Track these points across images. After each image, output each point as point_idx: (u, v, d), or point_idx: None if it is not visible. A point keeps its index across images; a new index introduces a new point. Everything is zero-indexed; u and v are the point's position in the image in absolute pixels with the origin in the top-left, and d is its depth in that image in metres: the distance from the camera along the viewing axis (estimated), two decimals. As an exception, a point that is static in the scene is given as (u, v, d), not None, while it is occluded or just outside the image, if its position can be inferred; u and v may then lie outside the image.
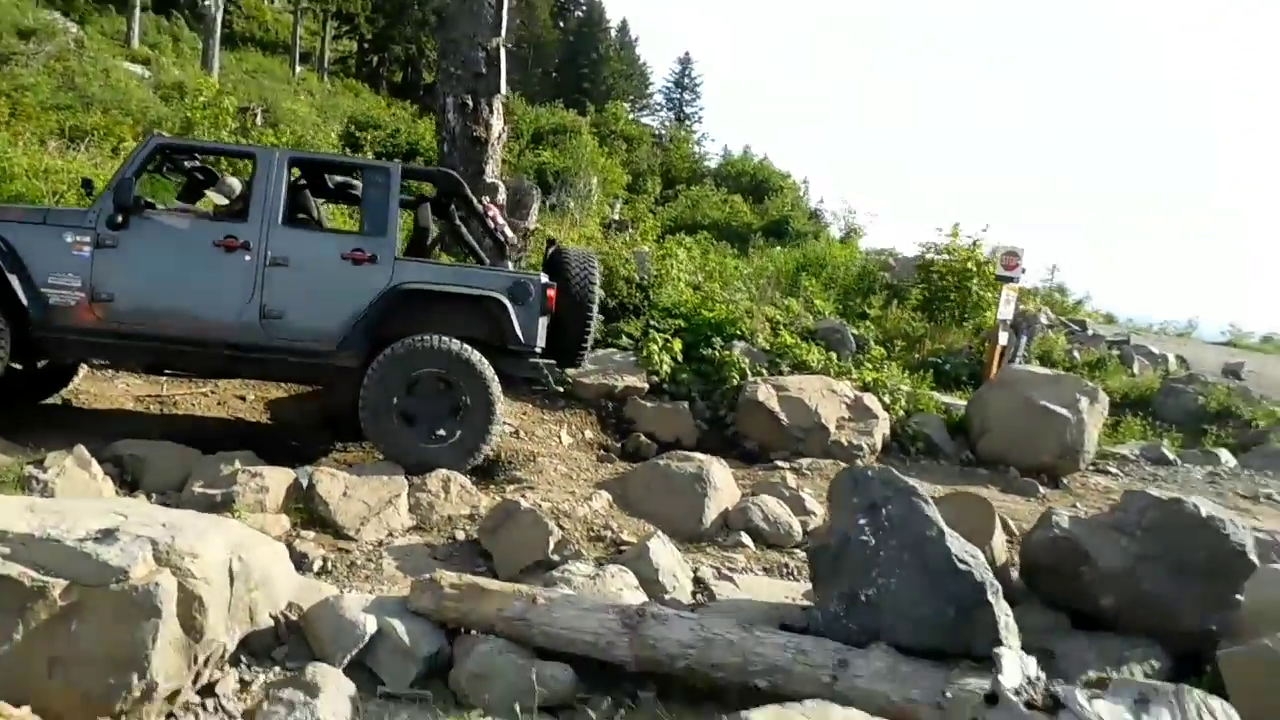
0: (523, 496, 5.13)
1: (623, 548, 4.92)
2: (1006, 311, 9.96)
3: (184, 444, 5.49)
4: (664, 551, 4.65)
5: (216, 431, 6.28)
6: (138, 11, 32.34)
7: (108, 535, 3.28)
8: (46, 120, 14.91)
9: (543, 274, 6.04)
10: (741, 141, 55.18)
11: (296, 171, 6.29)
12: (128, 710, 3.12)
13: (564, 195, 15.92)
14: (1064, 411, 7.66)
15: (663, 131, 44.80)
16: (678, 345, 8.08)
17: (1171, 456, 8.90)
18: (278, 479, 5.06)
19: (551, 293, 5.88)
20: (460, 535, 5.00)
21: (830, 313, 10.68)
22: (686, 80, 54.53)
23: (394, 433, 5.60)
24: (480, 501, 5.34)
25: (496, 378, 5.66)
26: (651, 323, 8.52)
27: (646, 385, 7.90)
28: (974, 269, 11.99)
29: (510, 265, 6.36)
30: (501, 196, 8.74)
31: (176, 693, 3.26)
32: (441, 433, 5.65)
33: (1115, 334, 15.76)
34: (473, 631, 3.76)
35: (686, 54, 61.37)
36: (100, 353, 5.89)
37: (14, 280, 5.34)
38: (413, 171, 6.61)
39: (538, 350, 5.87)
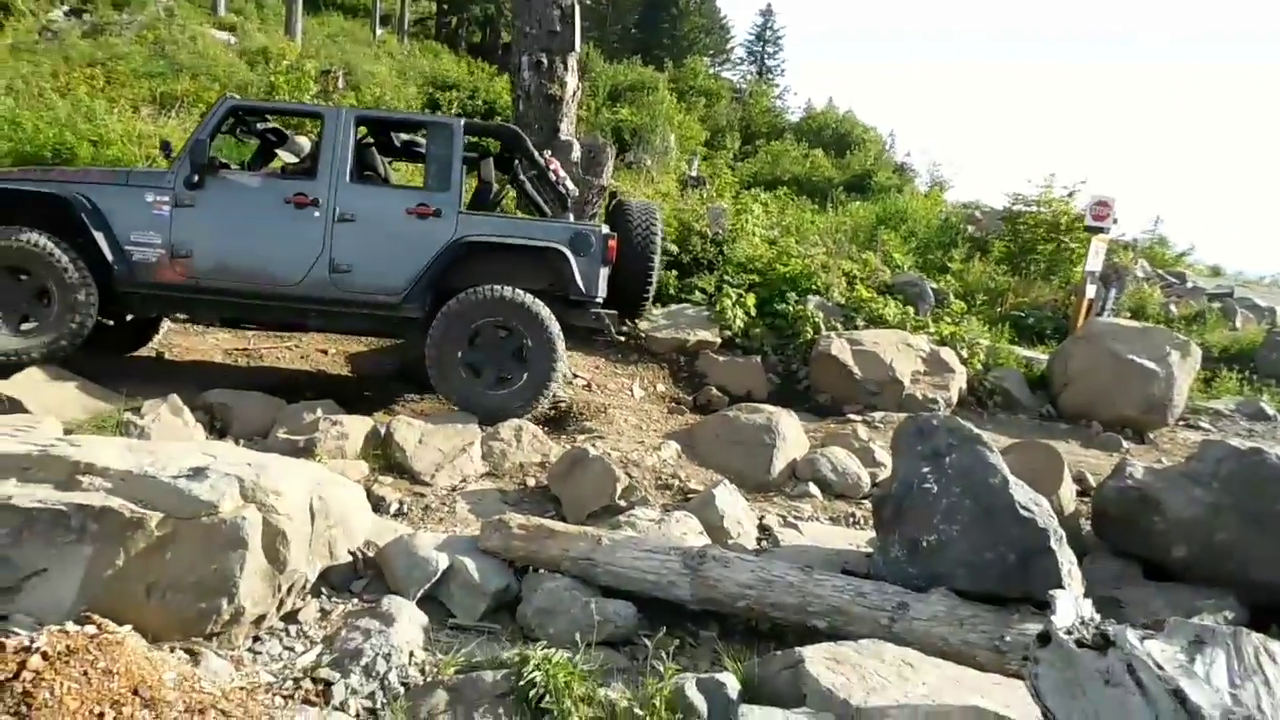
0: (592, 445, 5.28)
1: (689, 496, 5.03)
2: (1095, 263, 9.65)
3: (269, 394, 5.82)
4: (730, 499, 4.74)
5: (300, 382, 6.60)
6: (225, -22, 33.23)
7: (199, 473, 3.54)
8: (139, 87, 15.58)
9: (604, 226, 6.13)
10: (824, 95, 54.14)
11: (363, 130, 6.48)
12: (218, 632, 3.38)
13: (641, 152, 15.92)
14: (1151, 365, 7.45)
15: (743, 86, 44.16)
16: (751, 300, 8.10)
17: (1271, 412, 8.56)
18: (357, 427, 5.31)
19: (612, 243, 5.99)
20: (531, 482, 5.18)
21: (909, 267, 10.52)
22: (768, 33, 53.52)
23: (460, 382, 5.82)
24: (551, 449, 5.51)
25: (557, 322, 5.81)
26: (725, 278, 8.55)
27: (719, 340, 7.96)
28: (1065, 221, 11.62)
29: (572, 218, 6.47)
30: (576, 154, 8.83)
31: (262, 618, 3.52)
32: (506, 379, 5.84)
33: (1218, 287, 15.09)
34: (539, 570, 3.93)
35: (769, 6, 60.24)
36: (180, 307, 6.18)
37: (100, 239, 5.66)
38: (476, 127, 6.75)
39: (599, 300, 5.99)
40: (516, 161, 6.81)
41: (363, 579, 3.93)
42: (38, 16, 21.13)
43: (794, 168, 23.00)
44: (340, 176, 5.87)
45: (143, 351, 7.07)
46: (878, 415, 6.98)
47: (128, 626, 3.26)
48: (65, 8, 24.47)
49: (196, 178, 5.76)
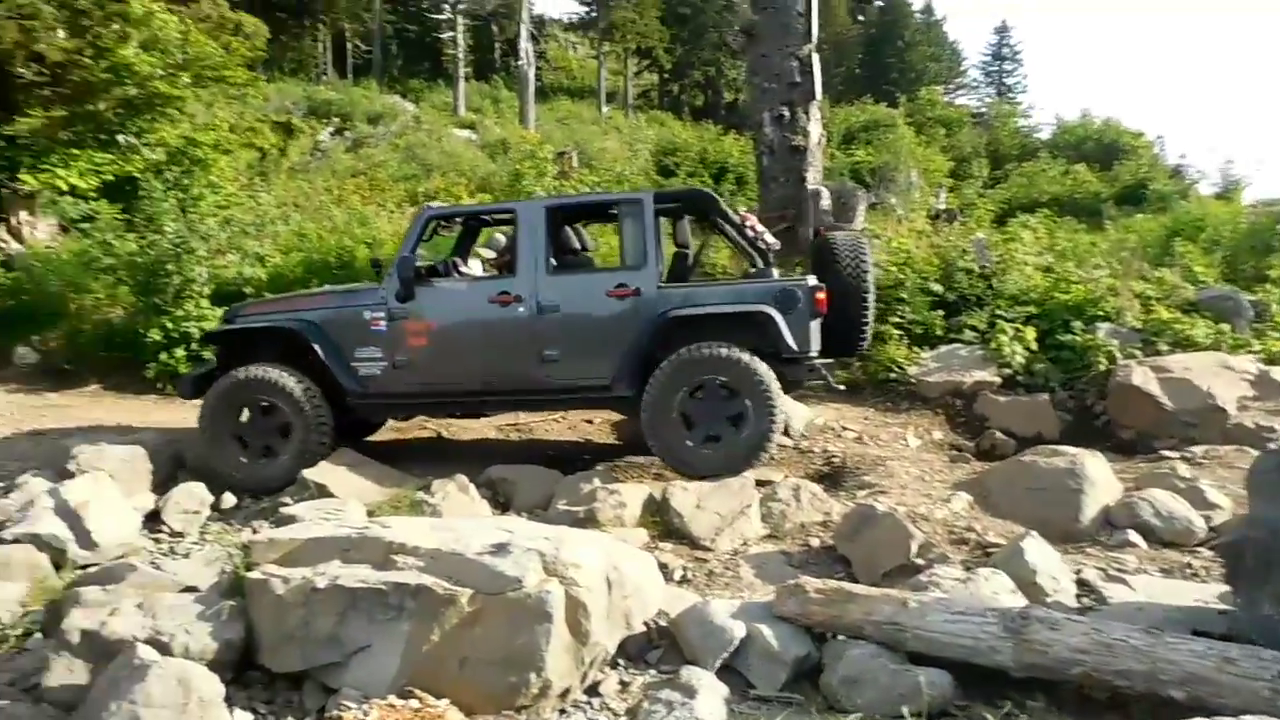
0: (876, 500, 5.11)
1: (990, 550, 4.72)
2: None
3: (543, 466, 6.13)
4: (1040, 551, 4.40)
5: (570, 453, 6.91)
6: (461, 83, 36.67)
7: (501, 549, 3.75)
8: (397, 190, 17.35)
9: (811, 277, 6.01)
10: (1076, 106, 50.65)
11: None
12: (528, 705, 3.52)
13: (884, 191, 15.63)
14: None
15: (984, 109, 42.43)
16: (1030, 333, 7.60)
17: None
18: (634, 494, 5.45)
19: (821, 295, 5.86)
20: (814, 542, 5.08)
21: (1215, 280, 9.48)
22: (1006, 50, 51.36)
23: (675, 440, 5.82)
24: (832, 508, 5.39)
25: (774, 376, 5.69)
26: (998, 312, 8.10)
27: (998, 379, 7.52)
28: None
29: (776, 273, 6.33)
30: (826, 202, 8.81)
31: (567, 691, 3.64)
32: (721, 437, 5.78)
33: None
34: (839, 636, 3.81)
35: (1003, 22, 57.84)
36: (406, 411, 6.64)
37: (329, 362, 6.20)
38: (665, 195, 6.79)
39: (812, 355, 5.87)
40: (713, 220, 6.79)
41: (657, 649, 3.97)
42: (311, 136, 24.19)
43: (1052, 187, 21.67)
44: (539, 270, 6.09)
45: (423, 432, 7.72)
46: (1199, 450, 6.26)
47: (445, 700, 3.48)
48: (330, 129, 27.91)
49: (406, 292, 6.17)
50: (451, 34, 39.42)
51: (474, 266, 7.19)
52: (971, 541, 4.86)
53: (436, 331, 6.20)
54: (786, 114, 9.18)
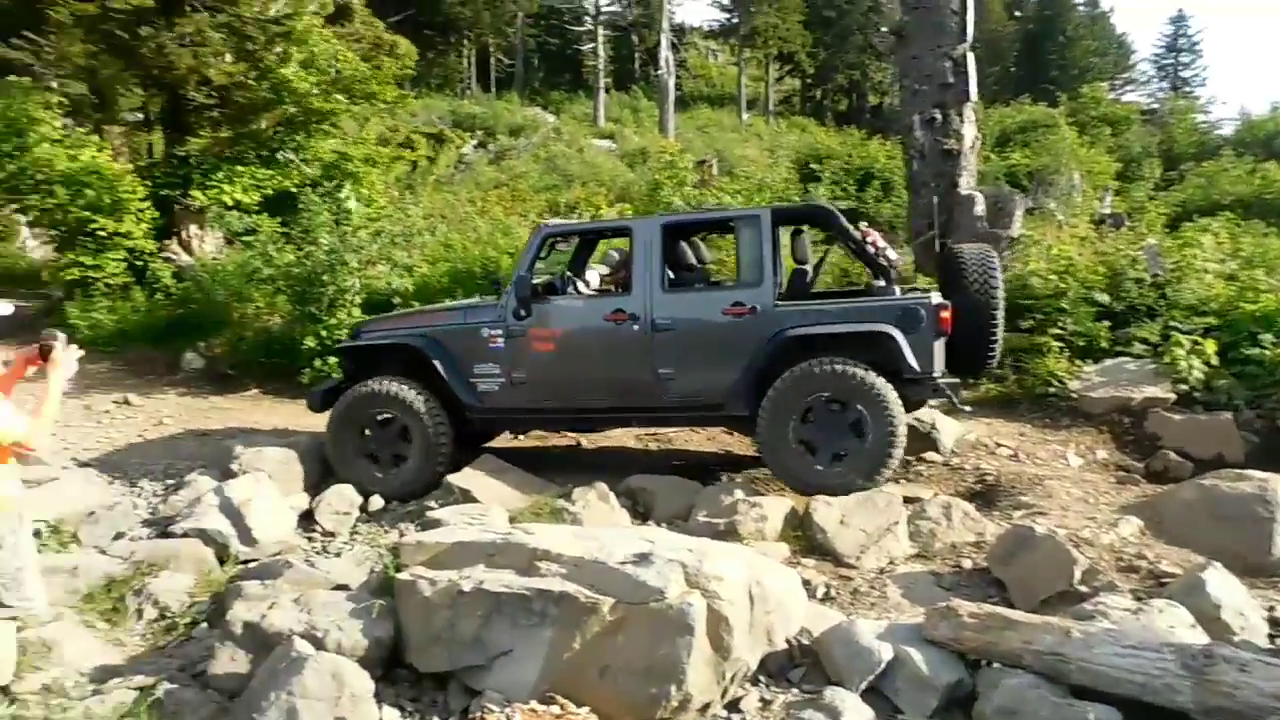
0: (1035, 522, 4.87)
1: (1163, 580, 4.41)
2: None
3: (684, 477, 6.14)
4: (1224, 584, 4.08)
5: (709, 463, 6.88)
6: (601, 94, 37.43)
7: (644, 559, 3.77)
8: (538, 200, 17.78)
9: (935, 294, 5.88)
10: (1264, 99, 47.04)
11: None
12: (667, 718, 3.52)
13: (1041, 196, 14.95)
14: None
15: (1156, 106, 40.10)
16: (1211, 347, 7.08)
17: None
18: (775, 508, 5.38)
19: (946, 314, 5.70)
20: (966, 564, 4.88)
21: None
22: (1182, 41, 48.39)
23: (793, 460, 5.78)
24: (986, 528, 5.17)
25: (894, 391, 5.60)
26: (1172, 324, 7.60)
27: (1172, 395, 7.04)
28: None
29: (898, 291, 6.16)
30: (980, 208, 8.51)
31: (707, 706, 3.61)
32: (842, 456, 5.71)
33: None
34: (994, 664, 3.64)
35: (1180, 12, 54.49)
36: (522, 425, 6.77)
37: (449, 378, 6.40)
38: (783, 212, 6.74)
39: (935, 374, 5.71)
40: (834, 235, 6.68)
41: (800, 667, 3.89)
42: (457, 149, 25.18)
43: (1236, 188, 20.16)
44: (653, 288, 6.15)
45: (563, 441, 7.86)
46: None
47: (585, 708, 3.52)
48: (474, 142, 28.97)
49: (522, 309, 6.33)
50: (592, 45, 40.28)
51: (592, 278, 7.30)
52: (1142, 570, 4.56)
53: (552, 349, 6.34)
54: (938, 117, 8.91)
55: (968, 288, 6.08)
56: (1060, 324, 7.77)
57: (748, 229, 6.17)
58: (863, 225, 6.96)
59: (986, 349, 6.18)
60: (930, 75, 8.99)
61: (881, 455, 5.62)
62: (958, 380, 6.05)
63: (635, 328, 6.14)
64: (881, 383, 5.59)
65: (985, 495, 5.92)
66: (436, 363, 6.44)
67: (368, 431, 6.56)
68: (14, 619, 3.64)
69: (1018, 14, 49.40)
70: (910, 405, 5.93)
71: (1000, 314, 6.18)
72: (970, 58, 9.00)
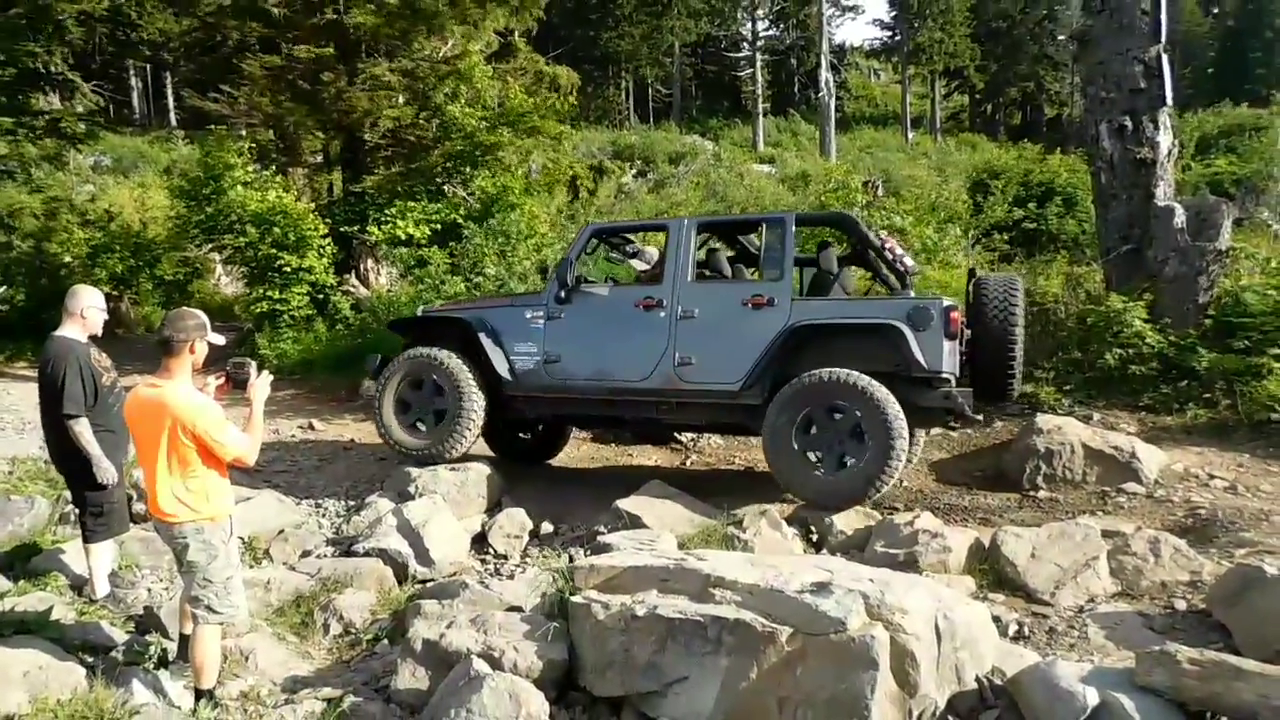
0: (1264, 561, 4.47)
1: None
2: None
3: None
4: None
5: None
6: (759, 119, 37.47)
7: (822, 588, 3.68)
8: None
9: (947, 298, 6.07)
10: None
11: (705, 235, 7.36)
12: (855, 755, 3.41)
13: (1252, 205, 13.88)
14: None
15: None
16: None
17: None
18: (959, 539, 5.19)
19: (955, 315, 5.86)
20: (1180, 604, 4.52)
21: None
22: None
23: (797, 469, 6.04)
24: (1202, 566, 4.77)
25: (895, 401, 5.75)
26: None
27: None
28: None
29: (912, 294, 6.49)
30: (1180, 220, 7.97)
31: (894, 744, 3.49)
32: (846, 463, 5.92)
33: None
34: (1220, 717, 3.35)
35: None
36: (552, 405, 7.10)
37: (491, 351, 6.93)
38: (809, 218, 7.56)
39: (945, 376, 5.85)
40: (855, 243, 7.06)
41: (992, 709, 3.68)
42: (617, 179, 25.73)
43: None
44: (682, 278, 6.58)
45: (733, 466, 7.83)
46: None
47: (767, 741, 3.45)
48: (634, 171, 29.54)
49: (564, 294, 6.87)
50: (750, 70, 40.47)
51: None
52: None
53: (585, 330, 6.85)
54: (1128, 124, 8.42)
55: (988, 317, 6.31)
56: (1281, 343, 7.17)
57: (773, 230, 6.61)
58: (882, 233, 7.35)
59: (1005, 377, 6.35)
60: (1119, 81, 8.52)
61: (882, 463, 5.74)
62: (969, 390, 6.09)
63: (661, 314, 6.57)
64: (881, 388, 5.79)
65: (1198, 530, 5.49)
66: (481, 335, 7.00)
67: (412, 393, 7.14)
68: (221, 624, 3.91)
69: (1214, 11, 46.41)
70: (922, 414, 6.07)
71: (1020, 344, 6.36)
72: (1165, 59, 8.48)
